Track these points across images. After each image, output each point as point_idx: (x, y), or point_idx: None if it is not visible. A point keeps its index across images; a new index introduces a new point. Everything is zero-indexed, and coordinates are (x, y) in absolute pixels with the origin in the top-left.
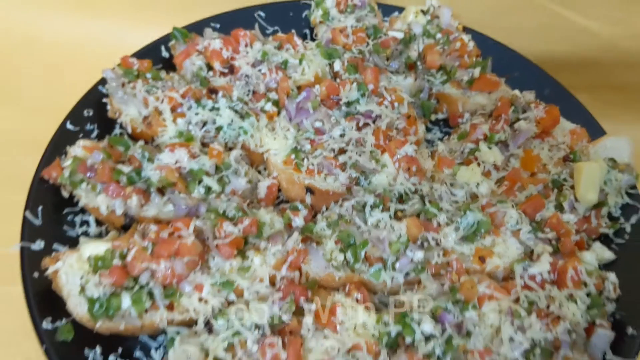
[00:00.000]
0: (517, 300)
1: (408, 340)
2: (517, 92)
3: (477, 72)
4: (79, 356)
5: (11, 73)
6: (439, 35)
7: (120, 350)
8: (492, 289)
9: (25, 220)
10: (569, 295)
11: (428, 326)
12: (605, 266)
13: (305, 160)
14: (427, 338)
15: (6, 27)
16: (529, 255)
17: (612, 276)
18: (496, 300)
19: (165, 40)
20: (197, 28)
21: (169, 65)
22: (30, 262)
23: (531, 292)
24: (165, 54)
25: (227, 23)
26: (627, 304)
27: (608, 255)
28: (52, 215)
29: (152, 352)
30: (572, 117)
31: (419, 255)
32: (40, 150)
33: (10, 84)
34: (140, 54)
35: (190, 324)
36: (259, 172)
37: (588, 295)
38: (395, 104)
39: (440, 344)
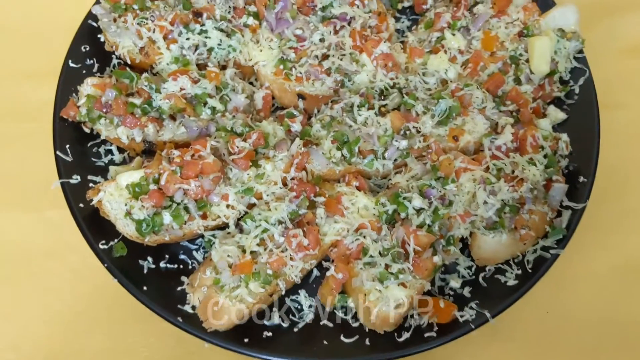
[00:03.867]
0: (487, 169)
1: (403, 215)
2: None
3: None
4: (136, 267)
5: None
6: None
7: (167, 256)
8: (466, 163)
9: (58, 159)
10: (530, 159)
11: (417, 202)
12: (559, 125)
13: (293, 69)
14: (418, 211)
15: None
16: (495, 128)
17: (564, 136)
18: (470, 171)
19: None
20: None
21: None
22: (74, 195)
23: (498, 161)
24: None
25: None
26: (577, 156)
27: (561, 115)
28: (78, 149)
29: (194, 253)
30: None
31: (403, 143)
32: (49, 79)
33: None
34: None
35: (223, 227)
36: (252, 83)
37: (545, 156)
38: (365, 2)
39: (429, 215)
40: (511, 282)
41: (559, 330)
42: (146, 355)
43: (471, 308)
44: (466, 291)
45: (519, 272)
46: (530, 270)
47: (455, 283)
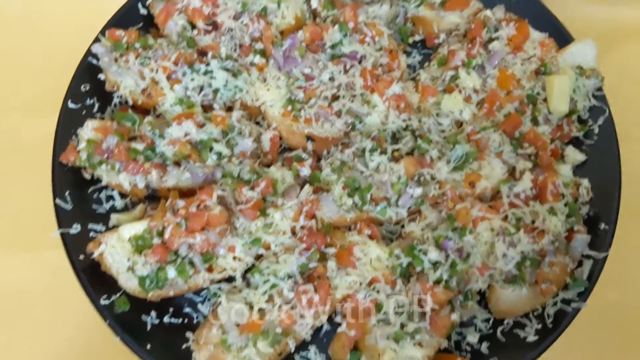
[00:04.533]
0: (505, 218)
1: (418, 268)
2: (488, 12)
3: None
4: (139, 323)
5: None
6: None
7: (171, 310)
8: (484, 211)
9: (57, 208)
10: (550, 208)
11: (433, 255)
12: (577, 167)
13: (302, 110)
14: (434, 264)
15: None
16: (512, 173)
17: (585, 182)
18: (488, 220)
19: None
20: None
21: (150, 22)
22: (74, 245)
23: (517, 210)
24: (143, 11)
25: None
26: (597, 200)
27: (580, 157)
28: (78, 195)
29: (199, 306)
30: (541, 23)
31: (418, 191)
32: (50, 111)
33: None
34: (118, 16)
35: (229, 279)
36: (258, 123)
37: (566, 204)
38: (376, 38)
39: (446, 269)
40: (531, 338)
41: None
42: None
43: None
44: (484, 347)
45: (539, 326)
46: (550, 325)
47: (472, 338)
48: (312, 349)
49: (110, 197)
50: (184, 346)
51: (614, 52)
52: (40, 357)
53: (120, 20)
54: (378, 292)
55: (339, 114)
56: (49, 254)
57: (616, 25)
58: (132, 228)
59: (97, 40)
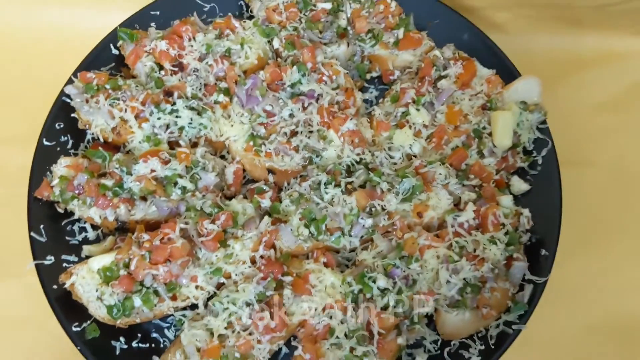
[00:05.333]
0: (450, 246)
1: (368, 295)
2: (437, 52)
3: (401, 32)
4: (108, 348)
5: None
6: None
7: (139, 335)
8: (430, 240)
9: (32, 240)
10: (491, 237)
11: (382, 282)
12: (522, 195)
13: (263, 145)
14: (383, 291)
15: None
16: (458, 203)
17: (525, 211)
18: (434, 248)
19: (111, 39)
20: (139, 20)
21: (121, 62)
22: (47, 276)
23: (460, 238)
24: (115, 52)
25: (166, 9)
26: (539, 228)
27: (524, 187)
28: (53, 228)
29: (166, 331)
30: (489, 59)
31: (369, 222)
32: (27, 143)
33: None
34: (91, 56)
35: (193, 306)
36: (223, 157)
37: (506, 233)
38: (334, 77)
39: (393, 296)
40: (474, 359)
41: None
42: None
43: None
44: None
45: (482, 347)
46: (492, 347)
47: (420, 358)
48: None
49: (82, 229)
50: None
51: (568, 78)
52: None
53: (94, 60)
54: (331, 317)
55: (297, 149)
56: (33, 279)
57: (577, 54)
58: (101, 260)
59: (70, 81)
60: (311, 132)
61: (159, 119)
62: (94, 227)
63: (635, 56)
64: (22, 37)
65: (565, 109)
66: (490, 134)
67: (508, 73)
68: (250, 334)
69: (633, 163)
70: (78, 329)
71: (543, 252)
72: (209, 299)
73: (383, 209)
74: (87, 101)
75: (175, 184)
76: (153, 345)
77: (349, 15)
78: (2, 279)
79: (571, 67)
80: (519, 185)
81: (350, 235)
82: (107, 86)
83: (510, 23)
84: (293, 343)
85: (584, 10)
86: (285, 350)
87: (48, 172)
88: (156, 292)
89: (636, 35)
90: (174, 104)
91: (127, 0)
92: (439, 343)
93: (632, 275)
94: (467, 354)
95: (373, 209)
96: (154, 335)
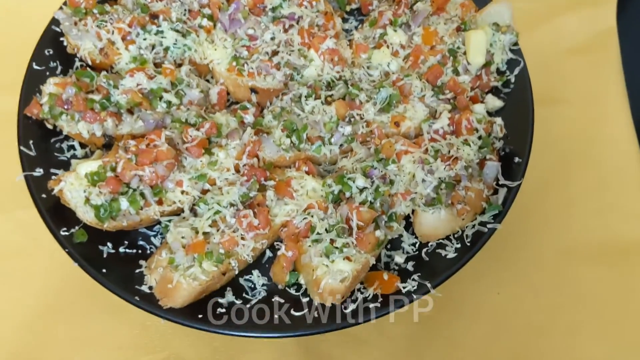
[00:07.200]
0: (426, 151)
1: (347, 194)
2: None
3: None
4: (96, 252)
5: None
6: None
7: (126, 242)
8: (407, 145)
9: (22, 153)
10: (464, 140)
11: (360, 181)
12: (497, 112)
13: (245, 65)
14: (361, 190)
15: None
16: (434, 115)
17: (498, 120)
18: (410, 153)
19: None
20: None
21: None
22: (37, 186)
23: (436, 143)
24: None
25: None
26: (513, 140)
27: (498, 103)
28: (42, 145)
29: (152, 239)
30: None
31: (348, 129)
32: (12, 90)
33: None
34: None
35: (179, 212)
36: (208, 81)
37: (480, 138)
38: (314, 3)
39: (371, 193)
40: (451, 255)
41: (508, 310)
42: (112, 343)
43: (413, 280)
44: (409, 265)
45: (459, 246)
46: (468, 244)
47: (399, 258)
48: (255, 272)
49: (71, 147)
50: (137, 271)
51: (541, 25)
52: (14, 309)
53: None
54: (312, 216)
55: (278, 67)
56: (22, 213)
57: (548, 3)
58: (88, 166)
59: (60, 8)
60: (292, 51)
61: (144, 39)
62: (83, 145)
63: (604, 3)
64: None
65: (538, 54)
66: (464, 53)
67: (482, 1)
68: (234, 231)
69: (600, 99)
70: (66, 233)
71: (516, 159)
72: (194, 205)
73: (361, 118)
74: (75, 24)
75: (161, 97)
76: (140, 251)
77: None
78: None
79: (543, 14)
80: (493, 102)
81: (330, 144)
82: (95, 11)
83: None
84: (277, 245)
85: None
86: (269, 254)
87: (38, 95)
88: (142, 195)
89: None
90: (159, 26)
91: None
92: (417, 245)
93: (596, 204)
94: (444, 252)
95: (352, 119)
96: (141, 242)
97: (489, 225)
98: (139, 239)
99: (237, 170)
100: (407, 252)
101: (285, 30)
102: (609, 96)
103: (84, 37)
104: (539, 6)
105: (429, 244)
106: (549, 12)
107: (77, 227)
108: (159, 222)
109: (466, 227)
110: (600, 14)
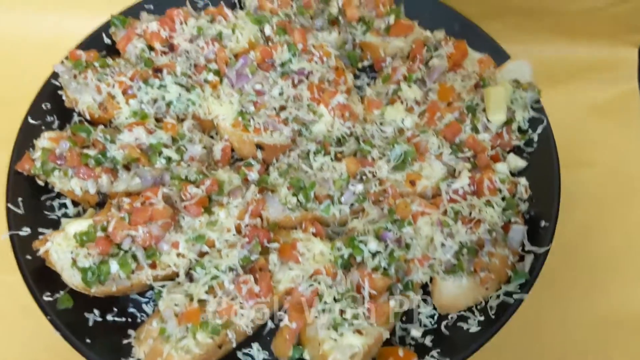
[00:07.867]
0: (445, 213)
1: (358, 259)
2: (428, 33)
3: (392, 19)
4: (81, 320)
5: None
6: None
7: (115, 309)
8: (423, 206)
9: (9, 211)
10: (487, 201)
11: (373, 245)
12: (519, 173)
13: (252, 120)
14: (374, 255)
15: None
16: (452, 174)
17: (522, 180)
18: (427, 215)
19: (105, 28)
20: (133, 12)
21: (113, 51)
22: (22, 247)
23: (456, 204)
24: (107, 40)
25: (160, 3)
26: (538, 202)
27: (521, 163)
28: (32, 203)
29: (144, 306)
30: (480, 46)
31: (359, 187)
32: (5, 144)
33: None
34: (84, 44)
35: (173, 277)
36: (212, 137)
37: (503, 199)
38: (324, 59)
39: (384, 258)
40: (474, 329)
41: None
42: None
43: (432, 357)
44: (427, 340)
45: (482, 318)
46: (493, 317)
47: (416, 332)
48: (255, 345)
49: (62, 205)
50: (125, 342)
51: (562, 84)
52: None
53: (85, 49)
54: (319, 283)
55: (286, 122)
56: (7, 277)
57: (568, 63)
58: (78, 225)
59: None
60: (301, 106)
61: (146, 93)
62: (75, 203)
63: (625, 65)
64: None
65: (558, 114)
66: (484, 110)
67: (500, 58)
68: (232, 299)
69: (625, 161)
70: (50, 298)
71: (543, 223)
72: (190, 269)
73: (374, 176)
74: (75, 77)
75: (160, 153)
76: (129, 320)
77: (340, 4)
78: None
79: (563, 75)
80: (515, 161)
81: (340, 203)
82: (96, 64)
83: (501, 32)
84: (279, 315)
85: (574, 16)
86: (270, 324)
87: (31, 149)
88: (134, 257)
89: (626, 44)
90: (163, 80)
91: (117, 4)
92: (435, 317)
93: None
94: (466, 325)
95: (364, 177)
96: (132, 310)
97: (515, 296)
98: (130, 306)
99: (239, 231)
100: (425, 325)
101: (294, 86)
102: (632, 157)
103: (83, 90)
104: (556, 67)
105: (449, 316)
106: (568, 73)
107: (62, 292)
108: (152, 288)
109: (490, 297)
110: (621, 75)
